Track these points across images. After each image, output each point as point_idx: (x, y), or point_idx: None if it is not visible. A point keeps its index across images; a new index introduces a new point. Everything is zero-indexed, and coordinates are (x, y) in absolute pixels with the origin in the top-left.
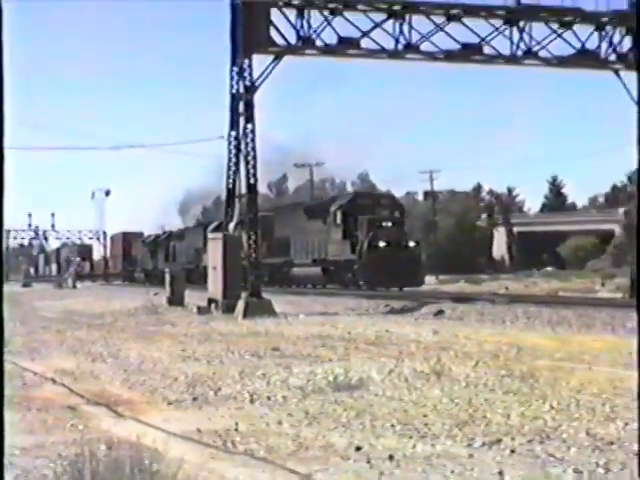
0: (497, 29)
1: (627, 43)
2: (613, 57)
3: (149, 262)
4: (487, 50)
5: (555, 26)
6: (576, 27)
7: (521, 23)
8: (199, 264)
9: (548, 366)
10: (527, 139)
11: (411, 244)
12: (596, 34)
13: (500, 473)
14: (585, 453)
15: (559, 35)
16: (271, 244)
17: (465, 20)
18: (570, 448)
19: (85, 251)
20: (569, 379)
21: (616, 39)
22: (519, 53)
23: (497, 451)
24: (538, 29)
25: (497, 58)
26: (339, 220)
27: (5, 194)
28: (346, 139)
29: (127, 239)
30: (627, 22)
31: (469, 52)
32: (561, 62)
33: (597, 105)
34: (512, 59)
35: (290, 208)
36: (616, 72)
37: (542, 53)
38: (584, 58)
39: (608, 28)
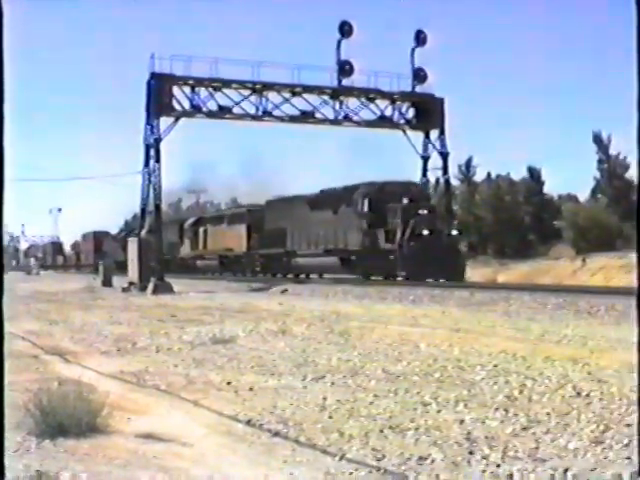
0: (325, 101)
1: (411, 112)
2: (402, 121)
3: (120, 254)
4: (318, 115)
5: (364, 100)
6: (377, 101)
7: (341, 97)
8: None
9: (358, 326)
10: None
11: (454, 232)
12: (390, 106)
13: (324, 398)
14: (381, 383)
15: (366, 106)
16: (263, 236)
17: (304, 95)
18: (371, 380)
19: (57, 247)
20: (371, 334)
21: (404, 109)
22: (340, 118)
23: (322, 383)
24: (352, 102)
25: (325, 121)
26: (365, 209)
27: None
28: (225, 174)
29: (97, 236)
30: (411, 98)
31: (306, 117)
32: (368, 124)
33: (391, 160)
34: (335, 122)
35: (286, 201)
36: (404, 132)
37: (355, 118)
38: (383, 122)
39: (398, 102)
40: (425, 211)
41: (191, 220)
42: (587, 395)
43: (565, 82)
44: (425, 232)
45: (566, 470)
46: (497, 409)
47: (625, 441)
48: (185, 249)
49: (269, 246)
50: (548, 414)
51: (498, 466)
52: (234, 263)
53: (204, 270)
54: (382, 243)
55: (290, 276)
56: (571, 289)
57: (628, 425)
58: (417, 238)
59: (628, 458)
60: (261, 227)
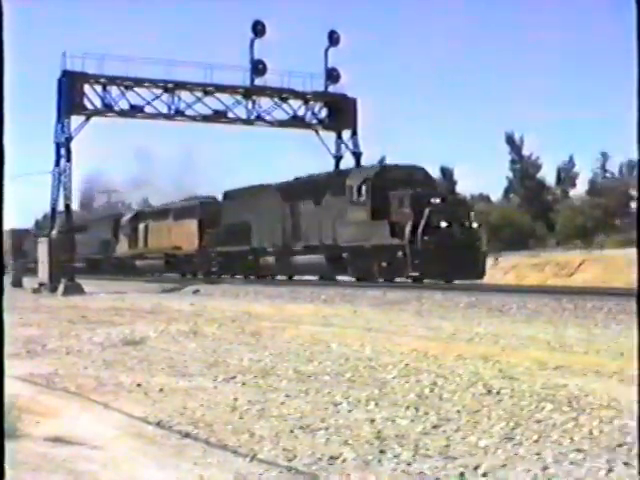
0: (238, 101)
1: (324, 112)
2: (315, 121)
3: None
4: (231, 115)
5: (276, 99)
6: (290, 101)
7: (254, 97)
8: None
9: (269, 326)
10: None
11: (474, 225)
12: (303, 106)
13: (235, 399)
14: (292, 383)
15: (279, 106)
16: (221, 232)
17: (217, 94)
18: (283, 380)
19: None
20: (283, 334)
21: (317, 109)
22: (252, 117)
23: (233, 384)
24: (265, 101)
25: (237, 121)
26: (362, 197)
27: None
28: (135, 174)
29: (17, 235)
30: (324, 98)
31: (219, 116)
32: (280, 124)
33: (305, 160)
34: (248, 122)
35: (251, 192)
36: (316, 132)
37: (268, 118)
38: (296, 122)
39: (311, 102)
40: (438, 200)
41: (129, 215)
42: (498, 392)
43: (478, 82)
44: (443, 224)
45: (476, 467)
46: (408, 408)
47: (535, 437)
48: (122, 248)
49: (229, 243)
50: (459, 412)
51: (409, 464)
52: (184, 263)
53: (145, 271)
54: (386, 237)
55: (199, 276)
56: (483, 288)
57: (538, 421)
58: (433, 231)
59: (538, 454)
60: (216, 222)
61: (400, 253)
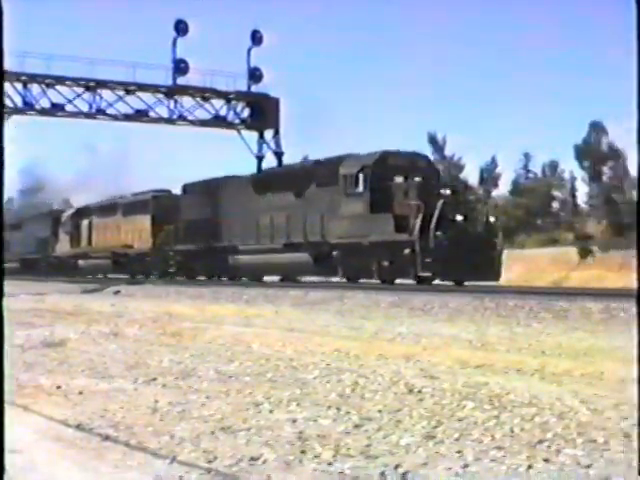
0: (160, 100)
1: (246, 112)
2: (237, 121)
3: None
4: (153, 114)
5: (199, 99)
6: (213, 100)
7: (176, 96)
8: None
9: (190, 327)
10: None
11: (491, 219)
12: (226, 106)
13: (156, 401)
14: (213, 384)
15: (201, 106)
16: (180, 228)
17: (139, 93)
18: (204, 382)
19: None
20: (204, 335)
21: (239, 109)
22: (174, 117)
23: (154, 386)
24: (188, 101)
25: (160, 120)
26: (360, 187)
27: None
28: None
29: None
30: (246, 98)
31: (141, 115)
32: (203, 124)
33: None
34: (170, 121)
35: (216, 184)
36: (239, 131)
37: (190, 117)
38: (218, 122)
39: (234, 102)
40: (448, 191)
41: (70, 211)
42: (419, 392)
43: (402, 82)
44: (458, 217)
45: (397, 466)
46: (330, 408)
47: (456, 435)
48: (62, 246)
49: (190, 241)
50: (380, 411)
51: (330, 464)
52: (135, 263)
53: (89, 272)
54: (389, 233)
55: (153, 277)
56: (406, 287)
57: (459, 420)
58: (448, 226)
59: (459, 452)
60: (172, 217)
61: (407, 251)
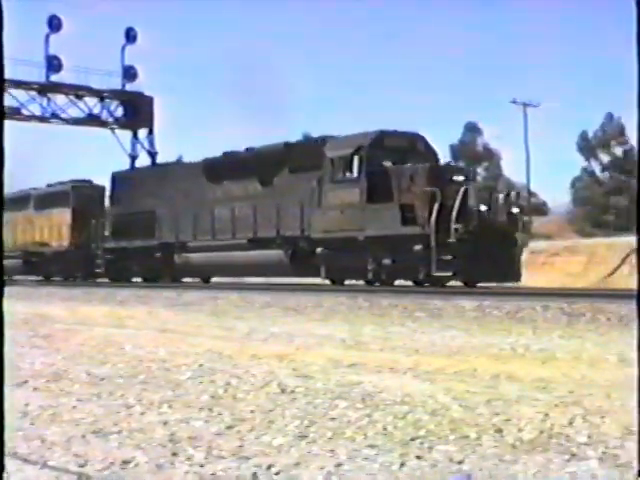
0: (33, 98)
1: (120, 111)
2: (111, 119)
3: None
4: (25, 112)
5: (72, 97)
6: (87, 99)
7: (49, 94)
8: None
9: (63, 329)
10: None
11: (514, 210)
12: (99, 104)
13: (26, 404)
14: (84, 387)
15: (75, 104)
16: (110, 223)
17: (11, 90)
18: (75, 384)
19: None
20: (76, 337)
21: (112, 107)
22: (47, 115)
23: (25, 389)
24: (61, 99)
25: (32, 118)
26: (354, 172)
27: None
28: None
29: None
30: (120, 96)
31: (12, 113)
32: (76, 122)
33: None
34: (43, 119)
35: (156, 172)
36: (112, 130)
37: (64, 115)
38: (92, 120)
39: (108, 100)
40: (461, 177)
41: None
42: (292, 391)
43: (281, 80)
44: (482, 207)
45: (269, 467)
46: (202, 409)
47: (329, 434)
48: None
49: (123, 237)
50: (253, 412)
51: (202, 466)
52: (52, 263)
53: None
54: (394, 226)
55: (76, 279)
56: (280, 287)
57: (332, 419)
58: (471, 217)
59: (332, 451)
60: (96, 210)
61: (418, 246)
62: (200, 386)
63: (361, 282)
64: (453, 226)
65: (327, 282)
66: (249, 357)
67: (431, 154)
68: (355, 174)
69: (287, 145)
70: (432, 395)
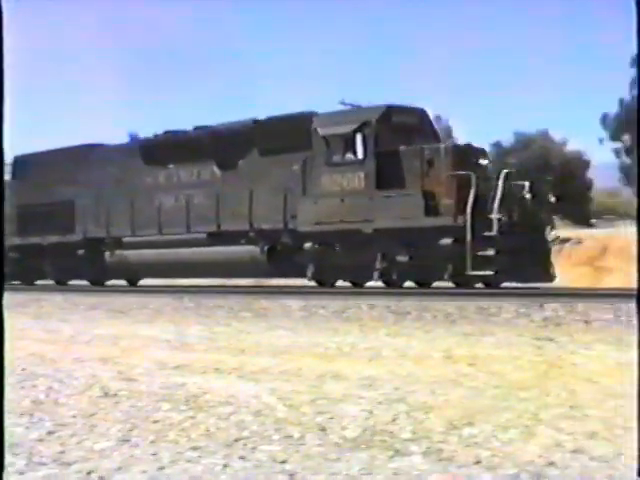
0: None
1: None
2: None
3: None
4: None
5: None
6: None
7: None
8: None
9: None
10: None
11: (552, 199)
12: None
13: None
14: None
15: None
16: (13, 216)
17: None
18: None
19: None
20: None
21: None
22: None
23: None
24: None
25: None
26: (360, 153)
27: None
28: None
29: None
30: None
31: None
32: None
33: None
34: None
35: (79, 156)
36: None
37: None
38: None
39: None
40: (485, 160)
41: None
42: (115, 395)
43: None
44: (527, 196)
45: (90, 472)
46: (22, 415)
47: (152, 438)
48: None
49: (34, 233)
50: (74, 416)
51: (22, 473)
52: None
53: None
54: (415, 216)
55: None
56: (108, 289)
57: (155, 422)
58: (513, 207)
59: (154, 454)
60: None
61: (447, 240)
62: (22, 391)
63: (347, 284)
64: (495, 216)
65: (311, 284)
66: (72, 360)
67: (436, 133)
68: (360, 155)
69: (257, 122)
70: (257, 395)
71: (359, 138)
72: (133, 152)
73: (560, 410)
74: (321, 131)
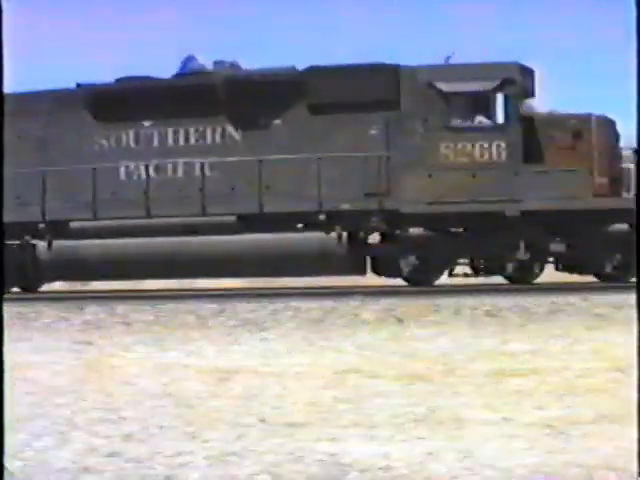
0: None
1: None
2: None
3: None
4: None
5: None
6: None
7: None
8: None
9: None
10: None
11: None
12: None
13: None
14: None
15: None
16: None
17: None
18: None
19: None
20: None
21: None
22: None
23: None
24: None
25: None
26: (499, 117)
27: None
28: None
29: None
30: None
31: None
32: None
33: None
34: None
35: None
36: None
37: None
38: None
39: None
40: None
41: None
42: None
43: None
44: None
45: None
46: None
47: None
48: None
49: None
50: None
51: None
52: None
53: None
54: (584, 197)
55: None
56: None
57: None
58: None
59: None
60: None
61: (619, 226)
62: None
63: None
64: None
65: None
66: None
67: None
68: (500, 119)
69: (310, 70)
70: None
71: (500, 98)
72: (76, 102)
73: (97, 414)
74: (444, 87)
